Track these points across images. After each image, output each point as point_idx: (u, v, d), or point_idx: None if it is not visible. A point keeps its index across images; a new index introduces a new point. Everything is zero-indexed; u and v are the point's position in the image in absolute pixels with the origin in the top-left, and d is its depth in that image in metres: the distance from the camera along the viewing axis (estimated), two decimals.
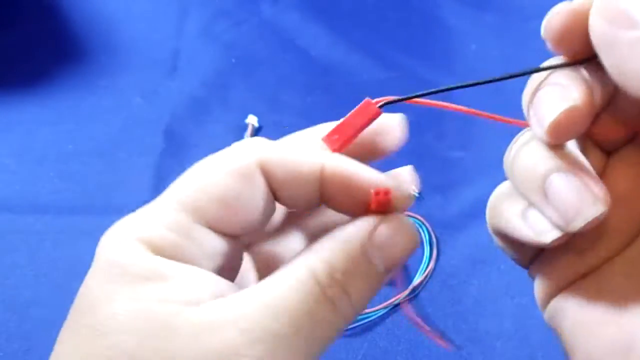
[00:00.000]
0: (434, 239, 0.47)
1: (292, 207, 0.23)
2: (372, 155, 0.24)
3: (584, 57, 0.20)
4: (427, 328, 0.25)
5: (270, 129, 0.57)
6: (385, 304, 0.43)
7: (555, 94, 0.20)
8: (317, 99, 0.60)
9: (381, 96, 0.65)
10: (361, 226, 0.21)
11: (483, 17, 0.71)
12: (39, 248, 0.46)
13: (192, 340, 0.18)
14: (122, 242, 0.20)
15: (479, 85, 0.22)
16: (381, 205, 0.21)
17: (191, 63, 0.64)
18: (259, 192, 0.22)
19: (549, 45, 0.21)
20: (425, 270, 0.45)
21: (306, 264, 0.20)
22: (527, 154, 0.21)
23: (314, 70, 0.64)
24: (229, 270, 0.23)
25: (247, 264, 0.26)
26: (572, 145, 0.21)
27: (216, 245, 0.21)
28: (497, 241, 0.24)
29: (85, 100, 0.59)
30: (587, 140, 0.22)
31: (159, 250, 0.20)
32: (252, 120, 0.56)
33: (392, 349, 0.42)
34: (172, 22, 0.69)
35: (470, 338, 0.42)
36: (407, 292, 0.44)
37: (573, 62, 0.20)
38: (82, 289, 0.20)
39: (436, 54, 0.67)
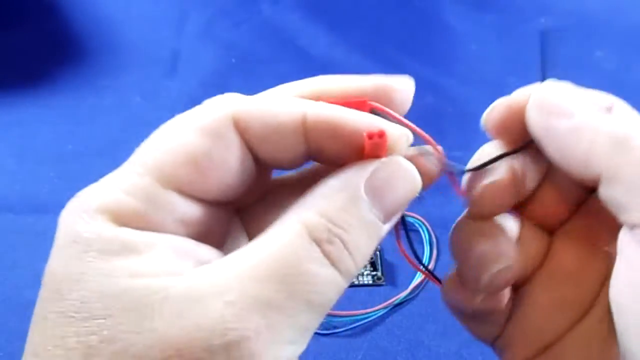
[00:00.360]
0: (434, 239, 0.47)
1: (275, 165, 0.21)
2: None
3: (519, 143, 0.22)
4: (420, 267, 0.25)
5: None
6: (385, 304, 0.43)
7: (482, 173, 0.22)
8: None
9: None
10: (357, 172, 0.19)
11: (483, 17, 0.71)
12: (39, 248, 0.46)
13: (174, 317, 0.16)
14: (81, 214, 0.18)
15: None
16: (376, 149, 0.19)
17: (191, 63, 0.64)
18: (232, 150, 0.19)
19: (489, 134, 0.23)
20: None
21: (299, 219, 0.18)
22: (460, 227, 0.23)
23: (314, 70, 0.63)
24: (213, 240, 0.20)
25: (238, 231, 0.23)
26: (505, 221, 0.23)
27: (190, 211, 0.19)
28: (460, 321, 0.26)
29: (85, 100, 0.59)
30: (528, 223, 0.23)
31: (123, 220, 0.18)
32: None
33: (392, 349, 0.42)
34: (172, 22, 0.69)
35: (470, 338, 0.42)
36: (407, 292, 0.44)
37: (514, 150, 0.22)
38: (46, 272, 0.18)
39: (436, 54, 0.67)
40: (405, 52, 0.66)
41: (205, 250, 0.19)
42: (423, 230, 0.47)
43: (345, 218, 0.18)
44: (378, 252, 0.46)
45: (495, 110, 0.22)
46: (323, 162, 0.21)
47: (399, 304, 0.44)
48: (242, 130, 0.20)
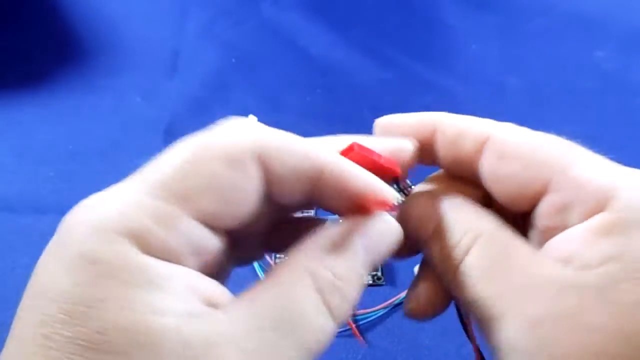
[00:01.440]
0: None
1: (279, 200, 0.21)
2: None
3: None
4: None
5: None
6: (385, 304, 0.43)
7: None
8: (317, 99, 0.60)
9: (380, 95, 0.65)
10: (358, 229, 0.21)
11: (483, 17, 0.71)
12: (39, 248, 0.46)
13: None
14: (101, 233, 0.17)
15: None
16: (377, 209, 0.21)
17: (191, 63, 0.64)
18: (254, 183, 0.20)
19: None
20: None
21: (307, 269, 0.19)
22: None
23: (314, 70, 0.64)
24: (215, 267, 0.20)
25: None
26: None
27: (205, 240, 0.19)
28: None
29: (85, 100, 0.59)
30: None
31: (146, 247, 0.17)
32: (252, 120, 0.56)
33: (392, 349, 0.42)
34: (172, 22, 0.69)
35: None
36: (407, 292, 0.44)
37: None
38: (52, 285, 0.17)
39: (436, 54, 0.67)
40: (406, 52, 0.66)
41: (214, 286, 0.19)
42: None
43: (345, 272, 0.20)
44: None
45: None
46: (321, 205, 0.22)
47: (399, 304, 0.44)
48: (263, 164, 0.20)
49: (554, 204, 0.21)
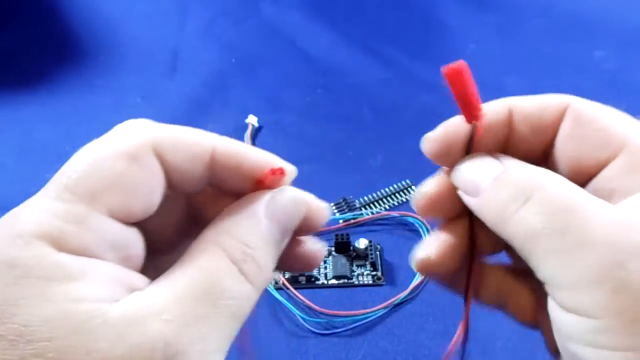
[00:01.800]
0: None
1: (180, 188, 0.23)
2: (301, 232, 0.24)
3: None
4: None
5: (270, 129, 0.57)
6: (385, 304, 0.43)
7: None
8: (317, 99, 0.60)
9: (380, 95, 0.65)
10: (262, 201, 0.22)
11: (483, 17, 0.71)
12: None
13: (117, 338, 0.17)
14: (14, 239, 0.18)
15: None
16: (274, 182, 0.23)
17: (191, 63, 0.64)
18: (153, 174, 0.21)
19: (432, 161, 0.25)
20: None
21: (218, 243, 0.21)
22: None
23: (314, 70, 0.64)
24: (137, 260, 0.22)
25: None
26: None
27: (118, 234, 0.20)
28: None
29: (84, 100, 0.59)
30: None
31: (61, 246, 0.19)
32: (252, 120, 0.56)
33: (392, 349, 0.42)
34: (172, 22, 0.69)
35: (470, 338, 0.42)
36: (407, 292, 0.44)
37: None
38: None
39: (436, 54, 0.67)
40: (405, 52, 0.66)
41: (134, 277, 0.20)
42: (423, 230, 0.47)
43: (254, 240, 0.21)
44: (378, 253, 0.46)
45: (431, 141, 0.24)
46: (220, 187, 0.23)
47: (399, 304, 0.44)
48: (159, 156, 0.21)
49: (626, 165, 0.22)
